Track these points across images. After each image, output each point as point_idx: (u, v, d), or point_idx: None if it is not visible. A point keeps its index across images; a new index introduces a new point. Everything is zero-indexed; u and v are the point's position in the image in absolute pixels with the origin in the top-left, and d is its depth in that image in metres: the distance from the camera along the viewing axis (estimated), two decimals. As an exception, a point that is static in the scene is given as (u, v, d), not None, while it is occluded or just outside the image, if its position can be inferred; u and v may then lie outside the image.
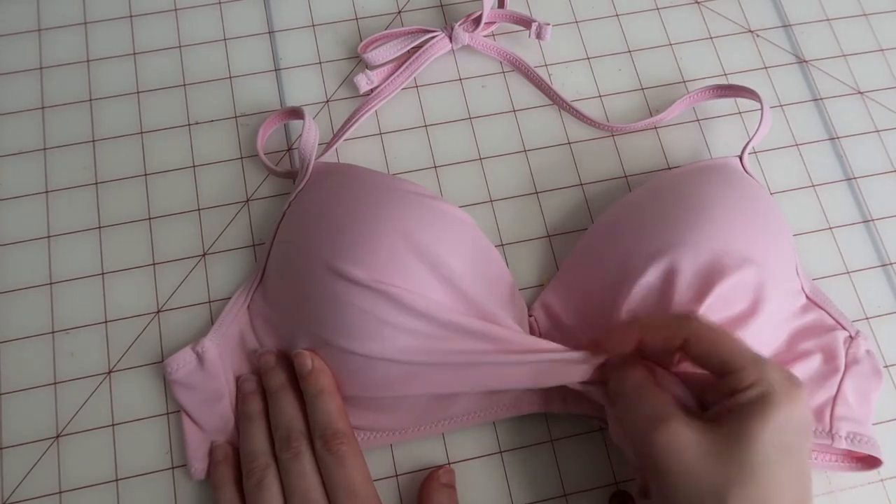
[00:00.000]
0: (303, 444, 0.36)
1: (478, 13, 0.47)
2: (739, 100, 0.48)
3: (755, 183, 0.41)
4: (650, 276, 0.36)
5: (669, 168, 0.46)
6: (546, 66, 0.49)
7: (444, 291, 0.36)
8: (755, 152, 0.47)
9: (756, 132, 0.43)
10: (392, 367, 0.36)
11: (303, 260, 0.37)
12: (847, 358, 0.39)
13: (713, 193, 0.38)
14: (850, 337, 0.40)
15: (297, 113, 0.44)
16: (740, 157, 0.43)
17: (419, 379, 0.36)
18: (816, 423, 0.37)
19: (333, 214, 0.37)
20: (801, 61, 0.50)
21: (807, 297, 0.41)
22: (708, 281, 0.35)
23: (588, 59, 0.49)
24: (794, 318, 0.40)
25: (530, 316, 0.41)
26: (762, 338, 0.38)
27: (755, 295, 0.36)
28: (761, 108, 0.44)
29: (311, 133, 0.41)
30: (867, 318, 0.43)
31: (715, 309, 0.35)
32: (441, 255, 0.36)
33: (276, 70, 0.48)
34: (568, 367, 0.36)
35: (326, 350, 0.36)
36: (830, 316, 0.41)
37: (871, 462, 0.38)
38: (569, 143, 0.47)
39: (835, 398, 0.38)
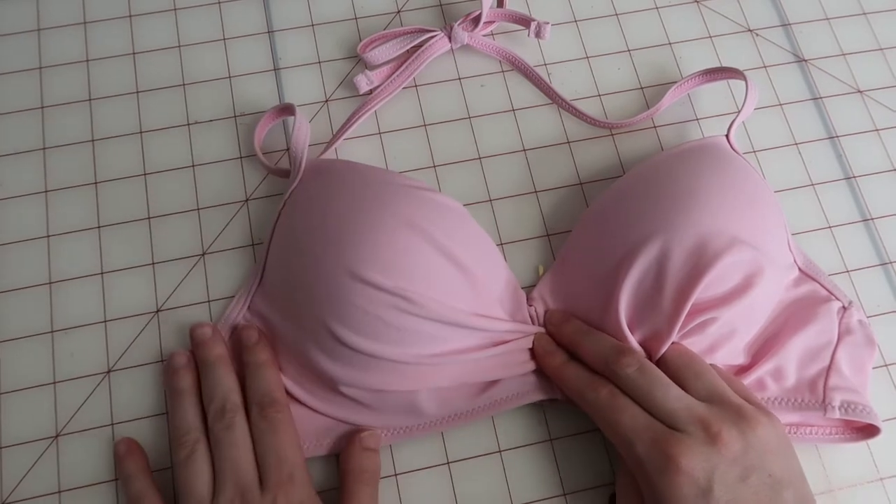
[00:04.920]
0: (237, 414, 0.37)
1: (477, 12, 0.47)
2: (739, 99, 0.48)
3: (742, 161, 0.41)
4: (642, 262, 0.37)
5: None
6: (545, 65, 0.49)
7: (459, 287, 0.37)
8: (755, 151, 0.47)
9: (742, 109, 0.44)
10: (402, 368, 0.37)
11: (311, 262, 0.37)
12: (840, 328, 0.40)
13: (699, 175, 0.39)
14: (844, 307, 0.41)
15: (289, 110, 0.44)
16: (727, 136, 0.43)
17: (432, 375, 0.37)
18: (809, 395, 0.38)
19: (340, 215, 0.37)
20: (801, 60, 0.50)
21: (800, 269, 0.42)
22: (699, 264, 0.36)
23: (587, 58, 0.49)
24: (788, 291, 0.41)
25: (530, 306, 0.41)
26: (753, 314, 0.39)
27: (746, 273, 0.37)
28: (746, 86, 0.44)
29: (302, 130, 0.41)
30: (867, 318, 0.43)
31: (707, 289, 0.36)
32: (453, 250, 0.37)
33: (275, 70, 0.48)
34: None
35: (335, 347, 0.36)
36: (823, 287, 0.41)
37: (870, 431, 0.39)
38: (568, 143, 0.47)
39: (828, 369, 0.39)
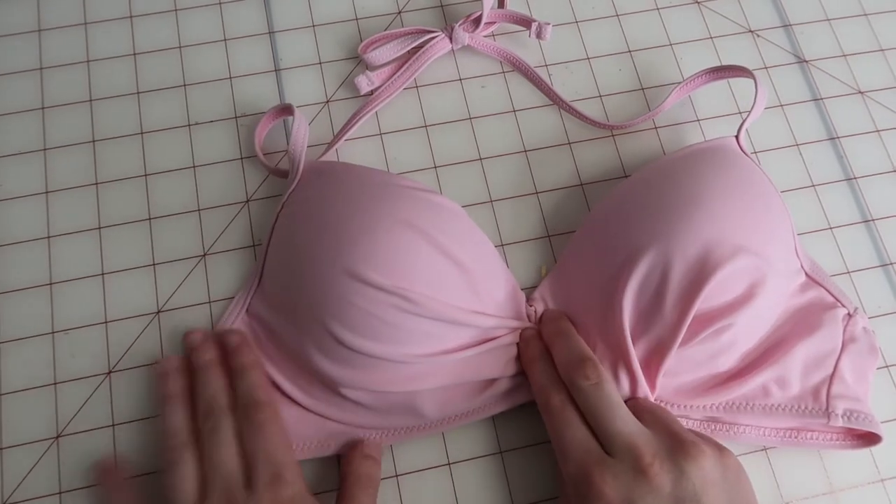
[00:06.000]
0: (223, 416, 0.37)
1: (478, 13, 0.47)
2: (740, 100, 0.48)
3: (750, 164, 0.41)
4: (644, 268, 0.36)
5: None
6: (546, 66, 0.49)
7: (458, 286, 0.37)
8: (756, 153, 0.47)
9: (752, 109, 0.43)
10: (401, 368, 0.37)
11: (309, 263, 0.37)
12: (844, 336, 0.40)
13: (705, 180, 0.38)
14: (849, 314, 0.41)
15: (288, 110, 0.44)
16: (736, 137, 0.42)
17: (431, 375, 0.37)
18: (813, 403, 0.38)
19: (338, 216, 0.37)
20: (802, 61, 0.50)
21: (806, 275, 0.42)
22: (702, 272, 0.36)
23: (588, 59, 0.49)
24: (794, 297, 0.41)
25: (530, 306, 0.41)
26: (756, 323, 0.38)
27: (750, 282, 0.36)
28: (755, 86, 0.43)
29: (300, 130, 0.41)
30: (868, 318, 0.43)
31: (710, 297, 0.36)
32: (451, 249, 0.37)
33: (276, 70, 0.48)
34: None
35: (334, 348, 0.36)
36: (829, 293, 0.41)
37: (871, 439, 0.39)
38: (569, 144, 0.47)
39: (831, 377, 0.38)
